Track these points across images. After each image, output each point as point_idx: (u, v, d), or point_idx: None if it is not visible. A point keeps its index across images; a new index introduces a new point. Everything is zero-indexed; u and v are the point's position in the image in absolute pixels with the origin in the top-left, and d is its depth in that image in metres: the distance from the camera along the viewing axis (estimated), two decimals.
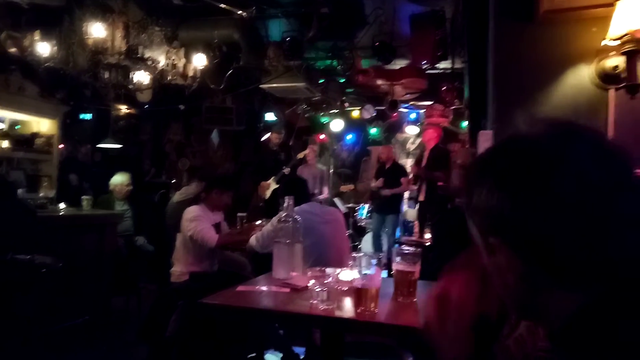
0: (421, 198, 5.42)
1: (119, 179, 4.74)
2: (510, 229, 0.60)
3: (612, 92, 2.02)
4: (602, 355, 0.53)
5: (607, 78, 2.02)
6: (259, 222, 3.58)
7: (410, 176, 6.10)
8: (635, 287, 0.55)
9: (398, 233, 5.89)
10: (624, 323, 0.53)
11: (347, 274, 1.78)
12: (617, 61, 1.97)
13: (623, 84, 1.94)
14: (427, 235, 4.36)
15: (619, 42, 1.84)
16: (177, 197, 4.21)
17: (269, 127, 7.04)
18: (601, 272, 0.56)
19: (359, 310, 1.47)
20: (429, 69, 5.41)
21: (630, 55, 1.86)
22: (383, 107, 6.51)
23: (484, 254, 0.67)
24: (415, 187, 5.63)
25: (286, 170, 5.69)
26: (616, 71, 1.98)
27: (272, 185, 5.77)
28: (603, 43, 1.93)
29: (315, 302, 1.51)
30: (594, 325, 0.55)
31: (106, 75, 4.20)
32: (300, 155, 6.21)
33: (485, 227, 0.64)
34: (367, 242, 6.49)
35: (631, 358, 0.52)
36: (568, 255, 0.57)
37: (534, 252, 0.59)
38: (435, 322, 0.81)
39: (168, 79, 4.42)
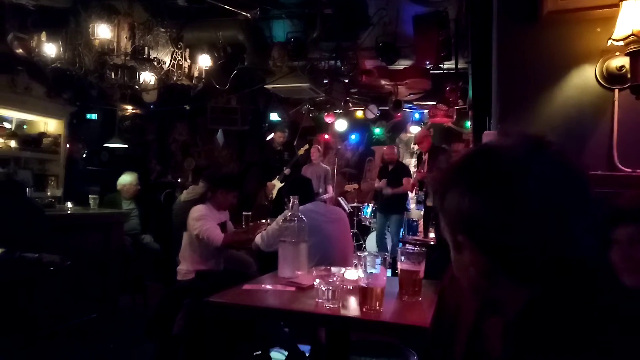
0: (429, 203, 5.41)
1: (127, 179, 4.78)
2: (477, 229, 0.67)
3: (616, 93, 2.02)
4: (546, 345, 0.60)
5: (612, 78, 2.02)
6: (264, 221, 3.60)
7: (413, 178, 6.11)
8: (580, 285, 0.62)
9: (402, 233, 5.88)
10: (566, 316, 0.60)
11: (353, 273, 1.79)
12: (622, 61, 1.98)
13: (628, 85, 1.94)
14: (432, 235, 4.35)
15: (623, 42, 1.85)
16: (184, 196, 4.24)
17: (273, 127, 7.07)
18: (551, 271, 0.63)
19: (364, 309, 1.49)
20: (433, 69, 5.41)
21: (634, 56, 1.87)
22: (387, 107, 6.51)
23: (452, 251, 0.74)
24: (421, 192, 5.63)
25: (286, 171, 5.71)
26: (621, 71, 1.99)
27: (276, 185, 5.80)
28: (608, 43, 1.93)
29: (320, 300, 1.53)
30: (541, 318, 0.62)
31: (112, 75, 4.21)
32: (301, 152, 6.23)
33: (455, 226, 0.71)
34: (371, 242, 6.51)
35: (570, 348, 0.58)
36: (525, 254, 0.64)
37: (496, 251, 0.66)
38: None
39: (173, 79, 4.44)
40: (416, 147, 8.03)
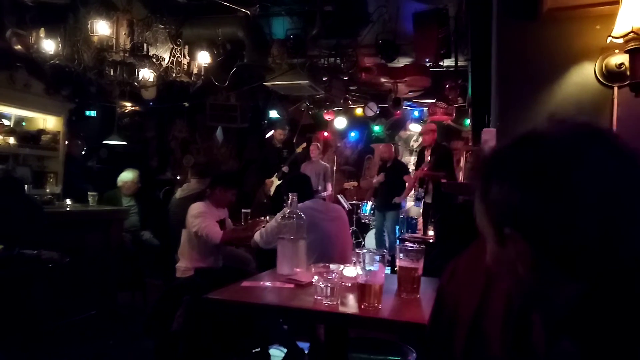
0: (428, 200, 5.41)
1: (128, 176, 4.78)
2: (528, 223, 0.63)
3: (616, 90, 2.02)
4: (603, 340, 0.57)
5: (611, 76, 2.02)
6: (262, 218, 3.60)
7: (412, 169, 6.11)
8: (631, 285, 0.60)
9: (398, 230, 5.89)
10: (620, 311, 0.58)
11: (351, 270, 1.79)
12: (621, 59, 1.97)
13: (627, 82, 1.94)
14: (431, 232, 4.36)
15: (623, 40, 1.84)
16: (179, 193, 4.25)
17: (272, 124, 7.07)
18: (605, 266, 0.60)
19: (362, 306, 1.49)
20: (433, 67, 5.40)
21: (634, 53, 1.86)
22: (386, 105, 6.51)
23: (493, 244, 0.70)
24: (422, 189, 5.64)
25: (285, 168, 5.71)
26: (620, 69, 1.98)
27: (275, 181, 5.81)
28: (607, 41, 1.93)
29: (319, 297, 1.53)
30: (595, 313, 0.59)
31: (111, 72, 4.21)
32: (299, 149, 6.23)
33: (501, 219, 0.67)
34: (371, 239, 6.52)
35: (625, 344, 0.56)
36: (579, 249, 0.60)
37: (548, 245, 0.62)
38: None
39: (172, 76, 4.43)
40: (416, 144, 8.05)
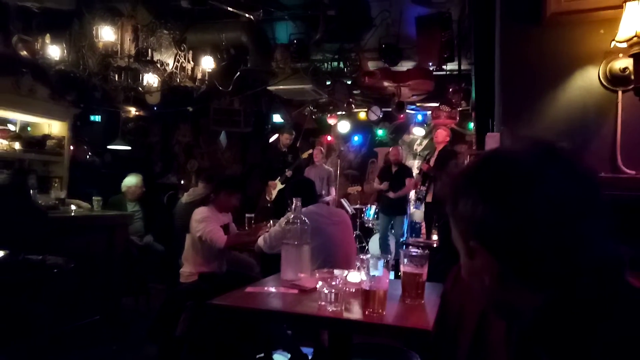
0: (429, 199, 5.41)
1: (132, 181, 4.78)
2: (491, 236, 0.67)
3: (620, 94, 2.01)
4: (569, 349, 0.61)
5: (616, 80, 2.01)
6: (266, 222, 3.61)
7: (417, 172, 6.09)
8: (591, 292, 0.63)
9: (405, 234, 5.89)
10: (579, 321, 0.61)
11: (355, 276, 1.79)
12: (625, 63, 1.97)
13: (631, 86, 1.93)
14: (435, 237, 4.35)
15: (627, 44, 1.84)
16: (185, 198, 4.25)
17: (276, 128, 7.08)
18: (566, 276, 0.64)
19: (366, 312, 1.48)
20: (436, 71, 5.40)
21: (638, 58, 1.86)
22: (390, 109, 6.51)
23: (463, 257, 0.74)
24: (424, 188, 5.63)
25: (288, 173, 5.72)
26: (624, 73, 1.98)
27: (278, 185, 5.81)
28: (611, 45, 1.92)
29: (323, 303, 1.53)
30: (559, 322, 0.63)
31: (116, 77, 4.24)
32: (304, 155, 6.24)
33: (467, 232, 0.71)
34: (374, 243, 6.50)
35: (587, 353, 0.59)
36: (539, 260, 0.65)
37: (510, 257, 0.66)
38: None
39: (177, 81, 4.46)
40: (419, 148, 8.05)
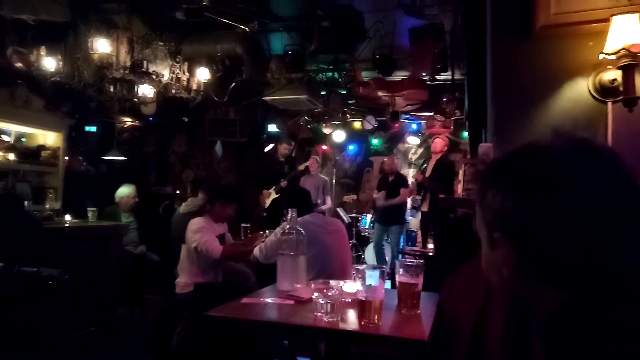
0: (424, 209, 5.43)
1: (125, 191, 4.78)
2: (518, 230, 0.65)
3: (609, 105, 2.05)
4: (574, 352, 0.59)
5: (605, 91, 2.05)
6: (262, 232, 3.61)
7: (412, 181, 6.11)
8: (614, 299, 0.61)
9: (402, 244, 5.89)
10: (597, 324, 0.59)
11: (351, 286, 1.80)
12: (614, 75, 2.00)
13: (620, 97, 1.97)
14: (431, 246, 4.36)
15: (615, 56, 1.88)
16: (183, 208, 4.24)
17: (271, 138, 7.11)
18: (586, 278, 0.62)
19: (362, 323, 1.49)
20: (430, 81, 5.46)
21: (626, 69, 1.90)
22: (384, 118, 6.55)
23: (485, 246, 0.73)
24: (419, 197, 5.64)
25: (283, 184, 5.73)
26: (613, 84, 2.02)
27: (272, 194, 5.81)
28: (600, 57, 1.97)
29: (319, 314, 1.53)
30: (573, 323, 0.61)
31: (111, 89, 4.25)
32: (301, 167, 6.25)
33: (493, 223, 0.69)
34: (370, 252, 6.51)
35: (598, 351, 0.58)
36: (563, 260, 0.62)
37: (534, 253, 0.64)
38: None
39: (172, 92, 4.48)
40: (414, 157, 8.09)
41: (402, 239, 5.80)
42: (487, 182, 0.70)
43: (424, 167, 5.54)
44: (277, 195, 5.68)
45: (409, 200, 6.23)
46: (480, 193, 0.71)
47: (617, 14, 1.85)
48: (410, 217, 6.62)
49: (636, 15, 1.83)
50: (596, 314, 0.60)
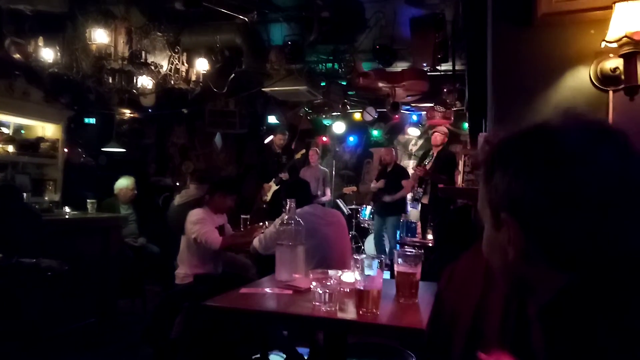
0: (425, 201, 5.42)
1: (123, 183, 4.78)
2: (527, 211, 0.64)
3: (611, 94, 2.03)
4: (577, 333, 0.59)
5: (606, 80, 2.03)
6: (261, 224, 3.61)
7: (412, 172, 6.10)
8: (618, 282, 0.61)
9: (399, 235, 5.89)
10: (601, 304, 0.59)
11: (349, 276, 1.80)
12: (616, 63, 1.98)
13: (622, 86, 1.95)
14: (430, 237, 4.37)
15: (617, 44, 1.86)
16: (177, 199, 4.25)
17: (271, 129, 7.09)
18: (593, 260, 0.62)
19: (360, 312, 1.49)
20: (430, 71, 5.42)
21: (628, 57, 1.87)
22: (385, 109, 6.53)
23: (489, 227, 0.72)
24: (420, 189, 5.64)
25: (283, 175, 5.72)
26: (615, 73, 1.99)
27: (272, 187, 5.81)
28: (602, 45, 1.94)
29: (317, 304, 1.53)
30: (577, 303, 0.61)
31: (110, 80, 4.23)
32: (298, 156, 6.24)
33: (499, 203, 0.68)
34: (370, 244, 6.52)
35: (602, 334, 0.58)
36: (570, 241, 0.62)
37: (541, 233, 0.64)
38: None
39: (171, 83, 4.46)
40: (415, 148, 8.07)
41: (398, 231, 5.81)
42: (494, 162, 0.69)
43: (425, 161, 5.51)
44: (278, 187, 5.68)
45: (410, 194, 6.22)
46: (487, 173, 0.70)
47: (620, 1, 1.82)
48: (410, 209, 6.62)
49: (639, 2, 1.81)
50: (599, 295, 0.60)
